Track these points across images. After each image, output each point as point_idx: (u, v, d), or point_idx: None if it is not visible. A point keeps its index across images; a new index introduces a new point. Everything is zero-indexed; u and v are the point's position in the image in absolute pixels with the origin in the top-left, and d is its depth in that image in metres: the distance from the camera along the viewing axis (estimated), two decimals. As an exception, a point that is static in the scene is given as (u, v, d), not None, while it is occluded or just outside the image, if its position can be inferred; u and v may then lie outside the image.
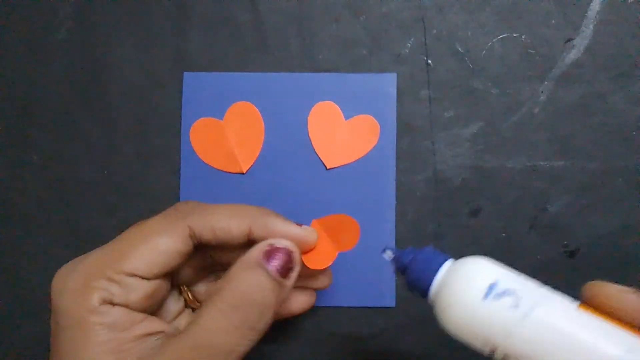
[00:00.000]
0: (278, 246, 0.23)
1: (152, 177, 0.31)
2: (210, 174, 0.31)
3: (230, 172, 0.31)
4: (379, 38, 0.31)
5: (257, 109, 0.31)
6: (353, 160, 0.31)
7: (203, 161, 0.31)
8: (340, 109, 0.31)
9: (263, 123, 0.31)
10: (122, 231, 0.31)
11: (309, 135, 0.31)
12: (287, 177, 0.31)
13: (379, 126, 0.31)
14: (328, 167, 0.31)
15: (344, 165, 0.31)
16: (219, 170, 0.31)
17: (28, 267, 0.31)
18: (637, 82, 0.30)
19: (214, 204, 0.24)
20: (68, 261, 0.23)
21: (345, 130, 0.31)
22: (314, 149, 0.31)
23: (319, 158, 0.31)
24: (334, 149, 0.31)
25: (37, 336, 0.31)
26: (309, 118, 0.31)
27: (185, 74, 0.31)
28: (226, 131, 0.31)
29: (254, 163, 0.31)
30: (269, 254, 0.22)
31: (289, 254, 0.23)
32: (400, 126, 0.31)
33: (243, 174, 0.31)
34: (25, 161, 0.32)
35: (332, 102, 0.31)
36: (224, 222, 0.23)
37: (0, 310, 0.31)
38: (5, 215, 0.32)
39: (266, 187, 0.31)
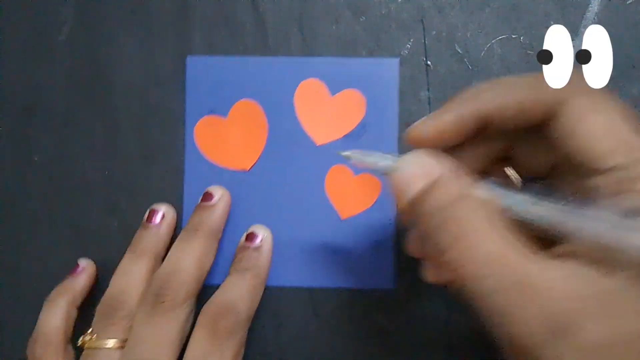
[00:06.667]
0: None
1: (154, 176, 0.32)
2: (213, 171, 0.32)
3: (233, 170, 0.31)
4: (379, 39, 0.31)
5: (260, 107, 0.31)
6: (342, 135, 0.31)
7: (207, 159, 0.32)
8: (327, 87, 0.31)
9: (266, 121, 0.31)
10: (125, 231, 0.31)
11: (296, 114, 0.31)
12: (290, 173, 0.31)
13: (365, 99, 0.31)
14: (318, 144, 0.31)
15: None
16: (223, 167, 0.31)
17: (29, 267, 0.32)
18: (635, 83, 0.30)
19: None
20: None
21: (332, 106, 0.31)
22: (302, 128, 0.31)
23: (309, 136, 0.31)
24: (322, 126, 0.31)
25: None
26: (294, 98, 0.31)
27: (189, 57, 0.32)
28: (230, 129, 0.32)
29: (257, 160, 0.31)
30: None
31: None
32: (400, 127, 0.31)
33: (246, 171, 0.31)
34: (27, 161, 0.32)
35: (317, 80, 0.31)
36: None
37: (1, 310, 0.32)
38: (6, 215, 0.32)
39: (269, 184, 0.31)
